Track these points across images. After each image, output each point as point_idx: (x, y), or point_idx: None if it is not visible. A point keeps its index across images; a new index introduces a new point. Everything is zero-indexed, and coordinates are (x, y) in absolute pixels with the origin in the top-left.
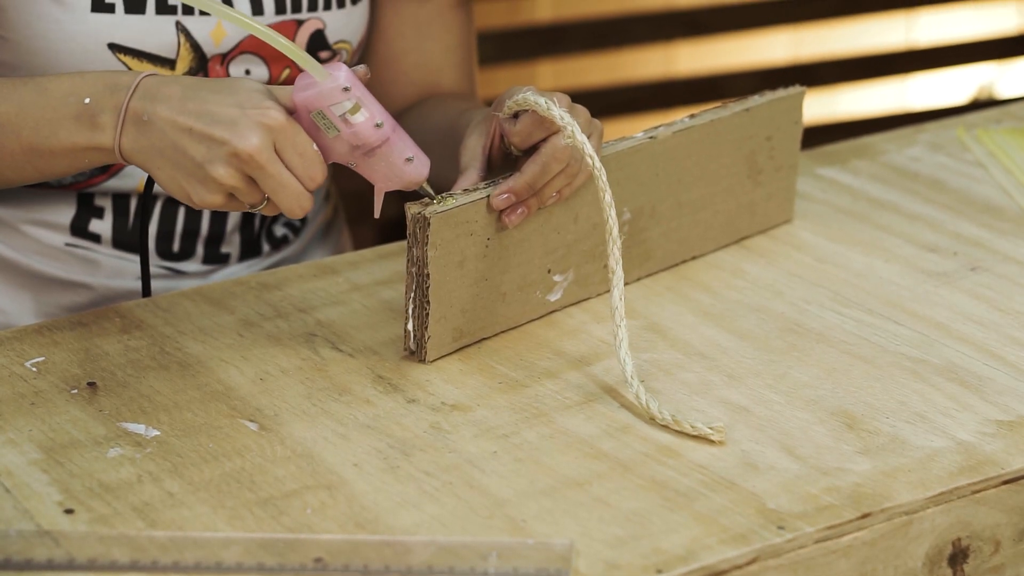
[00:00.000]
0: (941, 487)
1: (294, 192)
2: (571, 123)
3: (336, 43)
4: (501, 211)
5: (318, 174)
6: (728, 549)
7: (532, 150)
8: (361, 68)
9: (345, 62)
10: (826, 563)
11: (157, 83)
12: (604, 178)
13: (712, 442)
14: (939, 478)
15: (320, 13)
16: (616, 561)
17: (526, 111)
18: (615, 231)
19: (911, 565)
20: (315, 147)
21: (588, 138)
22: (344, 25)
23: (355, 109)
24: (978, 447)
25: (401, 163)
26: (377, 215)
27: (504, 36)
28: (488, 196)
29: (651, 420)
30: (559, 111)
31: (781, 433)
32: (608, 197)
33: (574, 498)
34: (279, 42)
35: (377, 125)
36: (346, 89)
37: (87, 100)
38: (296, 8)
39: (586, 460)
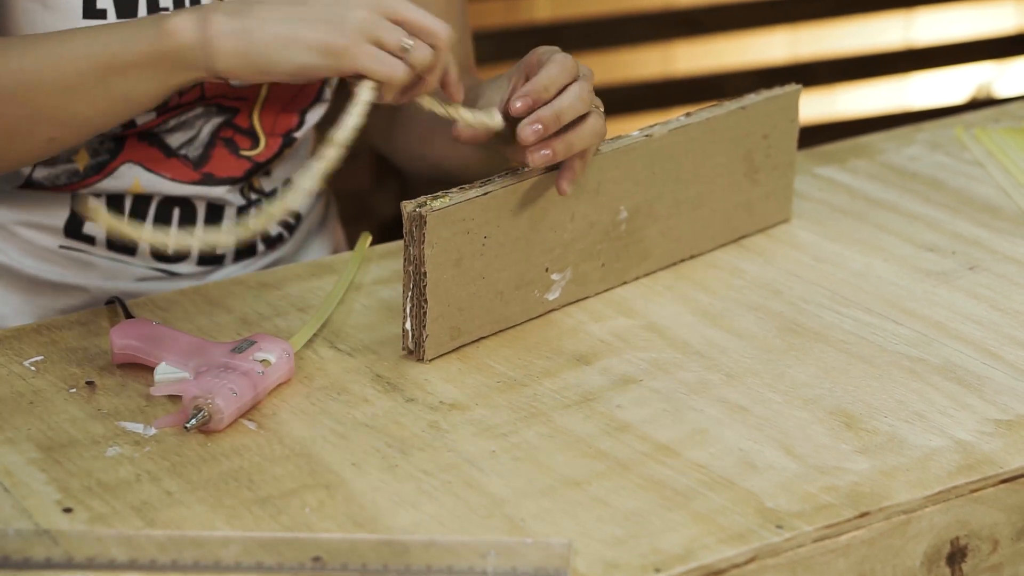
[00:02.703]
0: (939, 486)
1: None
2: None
3: None
4: (527, 148)
5: (444, 27)
6: (726, 548)
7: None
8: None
9: None
10: (824, 562)
11: None
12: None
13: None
14: (937, 477)
15: None
16: (614, 560)
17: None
18: None
19: (909, 564)
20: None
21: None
22: None
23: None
24: (976, 446)
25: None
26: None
27: (502, 35)
28: (484, 194)
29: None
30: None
31: (779, 432)
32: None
33: (572, 497)
34: None
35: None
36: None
37: (167, 9)
38: None
39: (584, 459)
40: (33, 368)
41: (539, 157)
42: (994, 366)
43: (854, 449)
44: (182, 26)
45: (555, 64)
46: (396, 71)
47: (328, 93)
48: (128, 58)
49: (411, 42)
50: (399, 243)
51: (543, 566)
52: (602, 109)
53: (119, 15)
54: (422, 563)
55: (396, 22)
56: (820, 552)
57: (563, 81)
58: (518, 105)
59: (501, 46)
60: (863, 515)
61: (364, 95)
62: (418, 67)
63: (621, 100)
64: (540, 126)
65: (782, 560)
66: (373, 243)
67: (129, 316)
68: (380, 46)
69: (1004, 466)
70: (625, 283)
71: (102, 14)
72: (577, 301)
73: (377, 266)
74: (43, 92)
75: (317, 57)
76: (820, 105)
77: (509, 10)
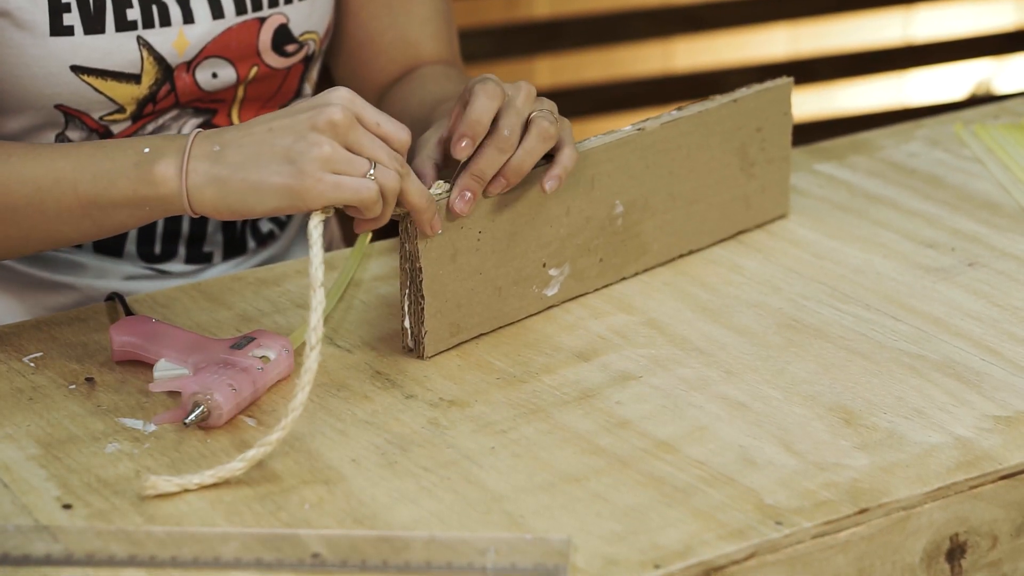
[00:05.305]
0: (939, 482)
1: (392, 147)
2: None
3: (301, 35)
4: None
5: (402, 131)
6: (726, 544)
7: None
8: None
9: (314, 52)
10: (823, 558)
11: (215, 130)
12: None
13: None
14: (937, 473)
15: (282, 8)
16: (614, 556)
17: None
18: None
19: (909, 560)
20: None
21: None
22: (308, 16)
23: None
24: (976, 442)
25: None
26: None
27: (502, 32)
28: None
29: None
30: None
31: (779, 428)
32: None
33: (572, 493)
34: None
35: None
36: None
37: (147, 149)
38: (257, 6)
39: (584, 456)
40: (33, 364)
41: (495, 186)
42: (993, 362)
43: (853, 445)
44: (164, 175)
45: (480, 96)
46: (363, 191)
47: (308, 88)
48: (113, 197)
49: (373, 172)
50: (398, 239)
51: (542, 562)
52: (549, 108)
53: (86, 32)
54: (421, 559)
55: (359, 146)
56: (819, 548)
57: (493, 108)
58: (463, 145)
59: (501, 43)
60: (862, 511)
61: (314, 226)
62: (385, 190)
63: (621, 96)
64: (474, 183)
65: (781, 556)
66: (373, 240)
67: (129, 313)
68: (344, 175)
69: (1003, 462)
70: (624, 279)
71: (69, 31)
72: (576, 297)
73: (377, 263)
74: (29, 219)
75: (285, 200)
76: (819, 101)
77: (509, 6)
